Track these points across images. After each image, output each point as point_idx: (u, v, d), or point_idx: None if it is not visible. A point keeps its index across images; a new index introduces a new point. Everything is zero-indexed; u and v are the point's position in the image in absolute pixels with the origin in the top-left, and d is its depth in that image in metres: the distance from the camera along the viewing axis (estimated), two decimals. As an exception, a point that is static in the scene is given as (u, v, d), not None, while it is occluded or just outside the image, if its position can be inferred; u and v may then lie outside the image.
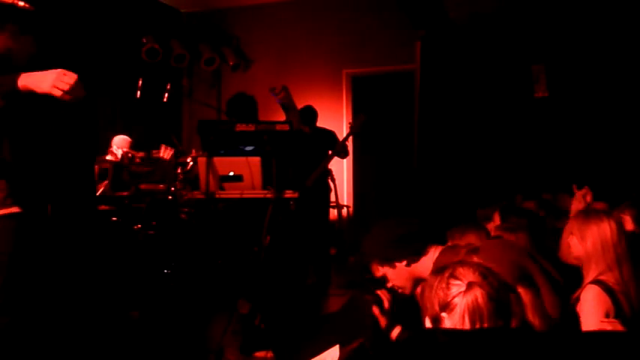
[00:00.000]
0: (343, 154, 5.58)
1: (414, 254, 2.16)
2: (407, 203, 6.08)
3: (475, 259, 1.66)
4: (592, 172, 5.03)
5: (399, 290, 2.27)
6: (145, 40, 6.52)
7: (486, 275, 1.39)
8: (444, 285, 1.40)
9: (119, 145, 5.47)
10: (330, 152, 5.39)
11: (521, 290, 1.44)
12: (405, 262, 2.19)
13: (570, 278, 2.22)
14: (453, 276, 1.40)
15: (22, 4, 2.08)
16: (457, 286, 1.38)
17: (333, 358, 1.78)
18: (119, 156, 5.32)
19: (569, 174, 5.16)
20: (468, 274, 1.39)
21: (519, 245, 2.06)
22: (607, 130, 5.21)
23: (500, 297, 1.36)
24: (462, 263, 1.45)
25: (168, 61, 6.78)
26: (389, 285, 2.29)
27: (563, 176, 5.18)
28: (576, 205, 3.16)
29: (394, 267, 2.21)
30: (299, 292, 5.10)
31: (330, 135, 5.62)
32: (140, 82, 5.52)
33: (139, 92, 5.56)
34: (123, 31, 6.30)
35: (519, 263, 1.66)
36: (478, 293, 1.34)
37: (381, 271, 2.29)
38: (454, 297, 1.37)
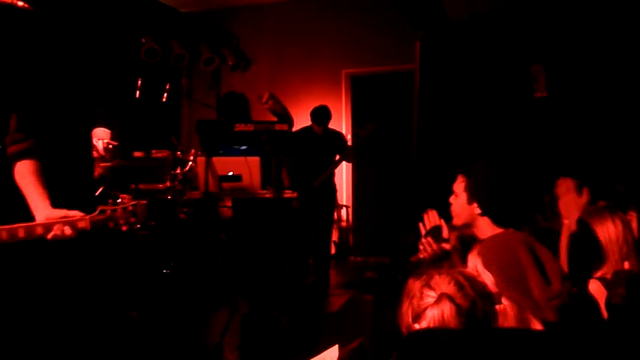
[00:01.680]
0: (351, 157, 5.68)
1: (496, 219, 2.10)
2: (406, 203, 6.08)
3: (476, 251, 1.63)
4: (591, 171, 5.02)
5: (451, 209, 2.22)
6: (144, 40, 6.52)
7: (463, 286, 1.30)
8: (418, 294, 1.33)
9: (100, 136, 5.33)
10: (337, 156, 5.48)
11: (506, 302, 1.39)
12: (480, 211, 2.13)
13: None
14: (428, 285, 1.32)
15: (21, 4, 2.07)
16: (430, 297, 1.30)
17: (333, 358, 1.78)
18: (100, 148, 5.24)
19: (568, 174, 5.16)
20: (442, 285, 1.31)
21: (523, 236, 2.04)
22: (606, 130, 5.21)
23: (474, 311, 1.27)
24: (440, 272, 1.35)
25: (168, 61, 6.78)
26: (451, 201, 2.22)
27: (562, 176, 5.18)
28: (569, 198, 2.89)
29: (471, 202, 2.14)
30: (299, 291, 5.11)
31: (338, 137, 5.66)
32: (139, 82, 5.52)
33: (138, 92, 5.56)
34: (122, 31, 6.29)
35: (513, 252, 1.64)
36: (446, 308, 1.26)
37: (458, 182, 2.21)
38: (426, 308, 1.29)
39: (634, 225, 2.54)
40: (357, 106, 7.03)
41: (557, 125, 5.45)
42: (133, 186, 4.95)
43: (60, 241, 1.98)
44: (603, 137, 5.18)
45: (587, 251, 2.22)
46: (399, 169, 6.60)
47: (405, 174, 6.31)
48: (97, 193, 4.79)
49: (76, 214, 2.00)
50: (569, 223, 2.44)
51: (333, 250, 6.70)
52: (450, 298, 1.27)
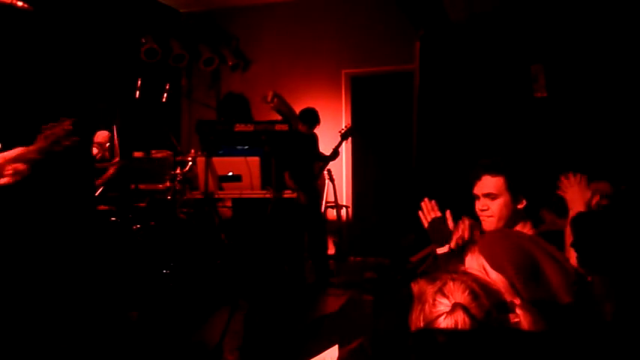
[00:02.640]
0: (334, 155, 5.85)
1: (532, 213, 2.08)
2: (406, 203, 6.08)
3: (477, 249, 1.62)
4: (592, 172, 5.02)
5: (488, 213, 2.13)
6: (144, 40, 6.52)
7: (478, 296, 1.26)
8: (430, 300, 1.29)
9: (106, 139, 5.22)
10: (320, 162, 5.69)
11: (520, 312, 1.38)
12: (524, 203, 2.08)
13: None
14: (442, 292, 1.28)
15: (20, 4, 2.07)
16: (443, 305, 1.26)
17: (333, 358, 1.78)
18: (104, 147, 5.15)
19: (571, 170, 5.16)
20: (456, 293, 1.26)
21: (523, 232, 2.03)
22: (607, 130, 5.21)
23: (489, 321, 1.24)
24: (453, 278, 1.31)
25: (167, 61, 6.78)
26: (483, 207, 2.13)
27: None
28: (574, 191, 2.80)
29: (518, 200, 2.09)
30: (299, 291, 5.11)
31: (315, 137, 5.75)
32: (139, 82, 5.52)
33: (138, 92, 5.56)
34: (122, 31, 6.29)
35: (523, 247, 1.63)
36: (460, 318, 1.23)
37: (492, 183, 2.12)
38: (438, 316, 1.26)
39: None
40: (357, 106, 7.03)
41: (557, 125, 5.45)
42: (133, 186, 4.96)
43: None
44: (604, 137, 5.18)
45: (600, 240, 2.19)
46: (399, 169, 6.60)
47: (404, 174, 6.31)
48: (96, 194, 4.79)
49: (17, 149, 1.96)
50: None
51: (333, 250, 6.70)
52: (465, 309, 1.24)
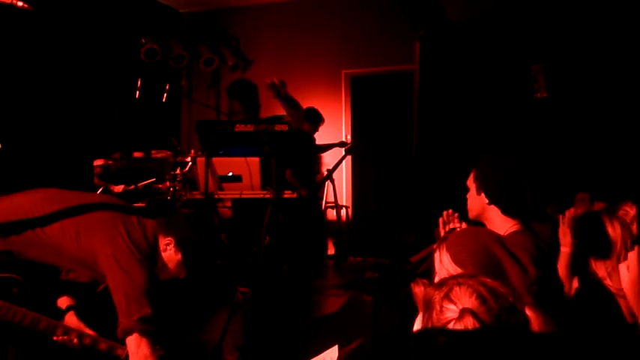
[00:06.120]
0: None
1: (505, 209, 2.08)
2: (406, 203, 6.08)
3: (445, 245, 1.63)
4: (592, 172, 5.03)
5: (467, 204, 2.21)
6: (143, 41, 6.52)
7: (485, 300, 1.23)
8: (438, 307, 1.26)
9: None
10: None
11: (529, 313, 1.36)
12: (488, 200, 2.11)
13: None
14: (448, 297, 1.25)
15: (20, 4, 2.07)
16: (451, 312, 1.23)
17: (333, 358, 1.78)
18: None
19: (569, 174, 5.17)
20: (463, 298, 1.24)
21: (490, 232, 2.04)
22: (606, 131, 5.21)
23: (498, 325, 1.22)
24: (459, 283, 1.28)
25: (167, 62, 6.78)
26: (467, 197, 2.20)
27: (562, 177, 5.19)
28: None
29: (479, 192, 2.14)
30: (299, 291, 5.11)
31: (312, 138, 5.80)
32: (139, 82, 5.52)
33: (137, 92, 5.55)
34: (122, 31, 6.29)
35: (487, 246, 1.63)
36: (469, 324, 1.20)
37: (470, 176, 2.20)
38: (446, 323, 1.24)
39: (628, 218, 2.51)
40: (357, 107, 7.03)
41: (557, 125, 5.45)
42: (133, 186, 4.95)
43: None
44: (603, 138, 5.18)
45: (596, 243, 2.19)
46: (399, 169, 6.60)
47: (404, 174, 6.31)
48: (98, 192, 4.79)
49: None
50: (567, 251, 2.43)
51: (333, 250, 6.70)
52: (473, 314, 1.21)
